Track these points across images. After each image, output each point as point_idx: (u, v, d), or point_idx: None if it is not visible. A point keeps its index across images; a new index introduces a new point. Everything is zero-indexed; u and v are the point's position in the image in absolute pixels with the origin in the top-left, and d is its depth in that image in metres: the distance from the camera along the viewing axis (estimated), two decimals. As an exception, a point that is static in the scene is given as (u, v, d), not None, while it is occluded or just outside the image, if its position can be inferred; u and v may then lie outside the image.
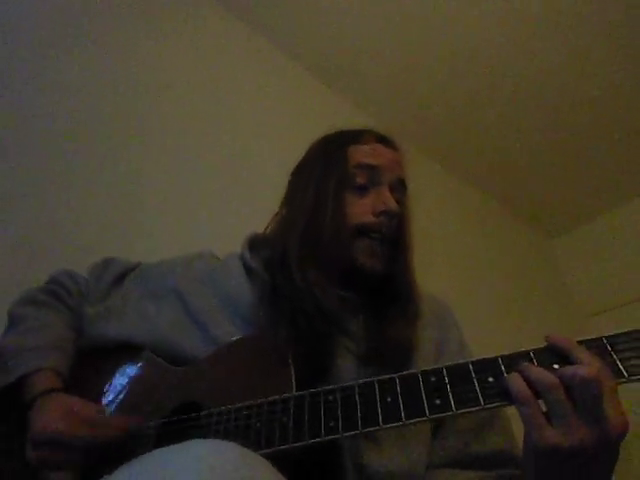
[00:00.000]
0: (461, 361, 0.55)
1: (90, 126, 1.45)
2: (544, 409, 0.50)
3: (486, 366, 0.54)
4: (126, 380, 0.75)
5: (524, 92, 2.42)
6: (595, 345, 0.51)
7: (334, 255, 0.76)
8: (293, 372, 0.62)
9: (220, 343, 0.71)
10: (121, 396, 0.73)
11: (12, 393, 0.70)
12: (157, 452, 0.44)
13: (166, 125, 1.64)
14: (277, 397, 0.59)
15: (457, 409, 0.51)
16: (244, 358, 0.68)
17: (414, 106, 2.46)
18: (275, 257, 0.78)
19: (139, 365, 0.76)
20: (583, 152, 2.74)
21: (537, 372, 0.50)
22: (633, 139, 2.65)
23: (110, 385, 0.75)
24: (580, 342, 0.52)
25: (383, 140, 0.88)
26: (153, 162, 1.55)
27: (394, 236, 0.80)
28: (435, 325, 0.82)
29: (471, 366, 0.54)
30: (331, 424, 0.55)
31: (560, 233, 3.30)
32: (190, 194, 1.59)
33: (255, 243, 0.88)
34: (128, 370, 0.76)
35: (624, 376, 0.49)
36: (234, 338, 0.71)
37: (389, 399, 0.54)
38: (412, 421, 0.52)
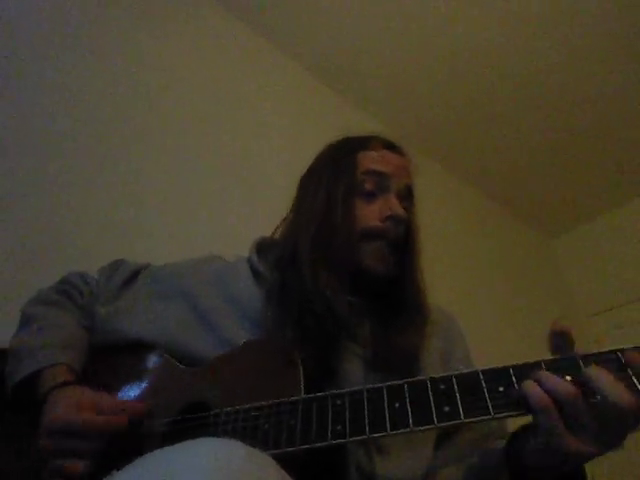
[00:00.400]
0: (471, 370, 0.54)
1: (90, 126, 1.45)
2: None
3: (496, 376, 0.53)
4: (136, 378, 0.76)
5: (524, 92, 2.42)
6: (609, 359, 0.51)
7: (343, 258, 0.77)
8: (302, 375, 0.62)
9: (229, 346, 0.72)
10: (130, 394, 0.74)
11: (26, 392, 0.71)
12: (164, 450, 0.43)
13: (166, 125, 1.64)
14: (285, 399, 0.60)
15: (466, 417, 0.51)
16: (253, 360, 0.68)
17: (414, 106, 2.46)
18: (285, 257, 0.79)
19: (149, 364, 0.77)
20: (583, 152, 2.74)
21: (554, 381, 0.49)
22: (633, 139, 2.65)
23: (120, 383, 0.76)
24: (594, 354, 0.51)
25: (391, 147, 0.88)
26: (153, 162, 1.55)
27: (401, 242, 0.80)
28: (441, 335, 0.83)
29: (481, 375, 0.53)
30: (338, 428, 0.54)
31: (560, 233, 3.31)
32: (190, 194, 1.59)
33: (263, 247, 0.89)
34: (138, 368, 0.77)
35: (639, 391, 0.48)
36: (243, 340, 0.71)
37: (397, 405, 0.54)
38: (420, 428, 0.52)
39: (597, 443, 0.48)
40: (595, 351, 0.52)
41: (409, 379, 0.56)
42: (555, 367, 0.52)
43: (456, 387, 0.53)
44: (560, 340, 0.53)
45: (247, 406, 0.61)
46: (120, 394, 0.74)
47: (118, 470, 0.44)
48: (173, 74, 1.74)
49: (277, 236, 0.90)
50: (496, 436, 0.74)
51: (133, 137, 1.54)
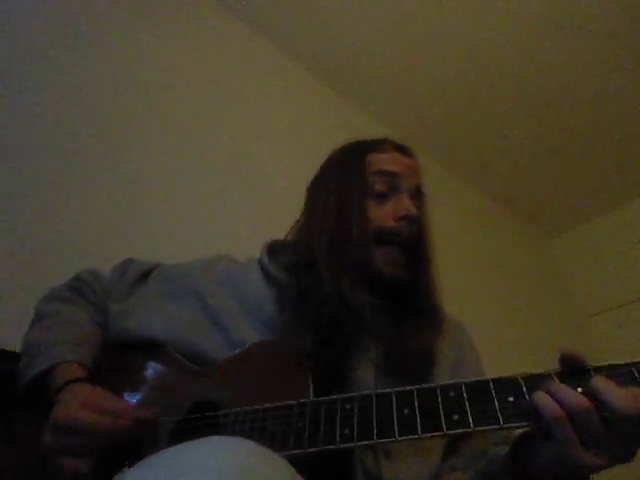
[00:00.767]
0: (481, 378, 0.54)
1: (90, 126, 1.45)
2: None
3: (507, 385, 0.53)
4: (146, 376, 0.77)
5: (524, 92, 2.42)
6: (621, 372, 0.50)
7: (359, 261, 0.77)
8: (311, 377, 0.62)
9: (239, 346, 0.72)
10: (140, 391, 0.75)
11: (38, 388, 0.71)
12: (175, 447, 0.44)
13: (166, 125, 1.64)
14: (294, 402, 0.59)
15: (475, 426, 0.50)
16: (263, 361, 0.69)
17: (414, 106, 2.46)
18: (301, 262, 0.79)
19: (159, 362, 0.78)
20: (583, 152, 2.74)
21: (567, 393, 0.49)
22: (633, 139, 2.65)
23: (130, 380, 0.77)
24: (606, 367, 0.51)
25: (401, 149, 0.89)
26: (153, 162, 1.55)
27: (414, 242, 0.81)
28: (452, 344, 0.83)
29: (491, 384, 0.53)
30: (346, 432, 0.54)
31: (560, 233, 3.31)
32: (190, 194, 1.58)
33: (274, 249, 0.89)
34: (149, 366, 0.78)
35: None
36: (255, 341, 0.72)
37: (406, 411, 0.54)
38: (428, 435, 0.52)
39: (607, 455, 0.48)
40: (607, 363, 0.51)
41: (419, 386, 0.56)
42: (566, 378, 0.51)
43: (466, 395, 0.53)
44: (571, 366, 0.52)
45: (256, 407, 0.61)
46: (130, 391, 0.75)
47: (129, 467, 0.44)
48: (173, 74, 1.74)
49: (289, 239, 0.91)
50: (500, 442, 0.74)
51: (133, 137, 1.54)
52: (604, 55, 2.27)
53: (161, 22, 1.78)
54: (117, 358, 0.80)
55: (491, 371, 0.84)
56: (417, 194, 0.85)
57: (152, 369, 0.77)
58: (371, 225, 0.79)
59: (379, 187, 0.82)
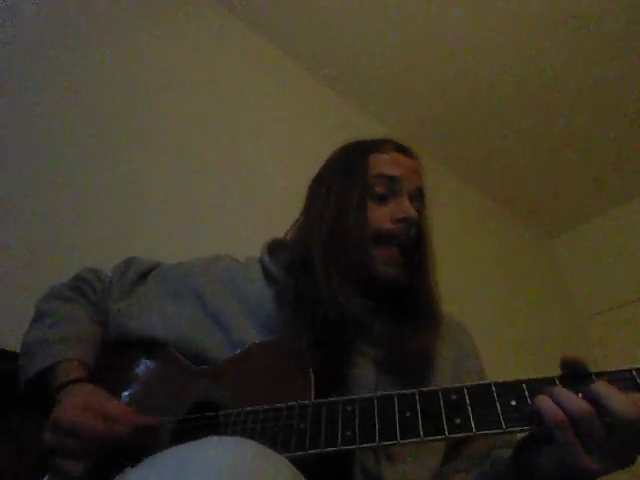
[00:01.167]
0: (483, 382, 0.54)
1: (90, 126, 1.45)
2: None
3: (509, 389, 0.53)
4: (146, 375, 0.77)
5: (524, 92, 2.42)
6: (623, 377, 0.50)
7: (356, 263, 0.77)
8: (313, 379, 0.62)
9: (239, 345, 0.72)
10: (141, 391, 0.75)
11: (38, 386, 0.71)
12: (177, 448, 0.44)
13: (166, 125, 1.64)
14: (295, 403, 0.59)
15: (477, 430, 0.50)
16: (264, 362, 0.69)
17: (414, 106, 2.45)
18: (297, 261, 0.79)
19: (160, 361, 0.77)
20: (583, 152, 2.74)
21: (569, 398, 0.49)
22: (633, 139, 2.65)
23: (131, 379, 0.77)
24: (608, 372, 0.51)
25: (402, 149, 0.88)
26: (153, 162, 1.55)
27: (413, 244, 0.80)
28: (452, 345, 0.83)
29: (494, 388, 0.53)
30: (348, 434, 0.54)
31: (560, 233, 3.31)
32: (190, 194, 1.58)
33: (274, 248, 0.89)
34: (149, 366, 0.78)
35: None
36: (255, 342, 0.72)
37: (408, 414, 0.54)
38: (430, 438, 0.51)
39: (608, 460, 0.48)
40: (609, 369, 0.51)
41: (421, 389, 0.56)
42: (568, 383, 0.51)
43: (468, 399, 0.53)
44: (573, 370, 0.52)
45: (257, 408, 0.61)
46: (130, 391, 0.75)
47: (132, 467, 0.44)
48: (173, 74, 1.74)
49: (288, 238, 0.90)
50: (503, 445, 0.74)
51: (133, 137, 1.54)
52: (604, 55, 2.26)
53: (161, 22, 1.78)
54: (117, 357, 0.80)
55: (491, 371, 0.85)
56: (418, 196, 0.85)
57: (152, 369, 0.77)
58: (370, 226, 0.79)
59: (379, 189, 0.82)
